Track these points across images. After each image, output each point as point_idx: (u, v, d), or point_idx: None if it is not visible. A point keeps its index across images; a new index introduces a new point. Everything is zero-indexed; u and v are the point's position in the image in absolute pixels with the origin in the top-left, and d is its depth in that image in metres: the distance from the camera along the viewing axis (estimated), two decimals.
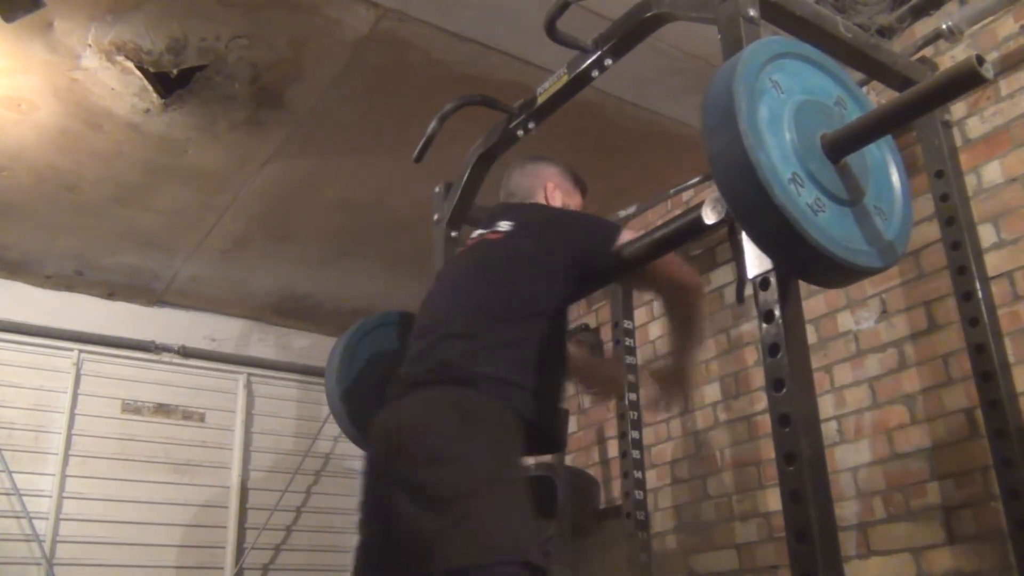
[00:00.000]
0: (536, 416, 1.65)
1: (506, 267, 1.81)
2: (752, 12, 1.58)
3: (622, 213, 3.14)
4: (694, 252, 3.27)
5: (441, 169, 2.46)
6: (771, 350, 1.38)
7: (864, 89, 2.16)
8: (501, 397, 1.61)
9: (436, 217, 2.47)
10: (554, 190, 2.08)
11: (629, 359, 3.31)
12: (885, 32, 2.48)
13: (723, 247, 3.10)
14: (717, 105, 1.29)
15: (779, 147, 1.29)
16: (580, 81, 2.14)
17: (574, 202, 2.12)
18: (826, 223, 1.28)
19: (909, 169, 1.60)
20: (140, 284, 4.16)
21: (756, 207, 1.24)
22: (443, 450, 1.52)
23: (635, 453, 3.15)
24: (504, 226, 1.89)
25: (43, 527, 3.68)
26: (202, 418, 4.30)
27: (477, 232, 1.97)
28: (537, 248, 1.82)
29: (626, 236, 1.82)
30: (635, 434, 3.18)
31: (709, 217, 1.63)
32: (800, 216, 1.23)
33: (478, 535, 1.42)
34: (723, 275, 3.16)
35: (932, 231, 2.35)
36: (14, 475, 3.67)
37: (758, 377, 2.91)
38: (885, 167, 1.50)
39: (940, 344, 2.38)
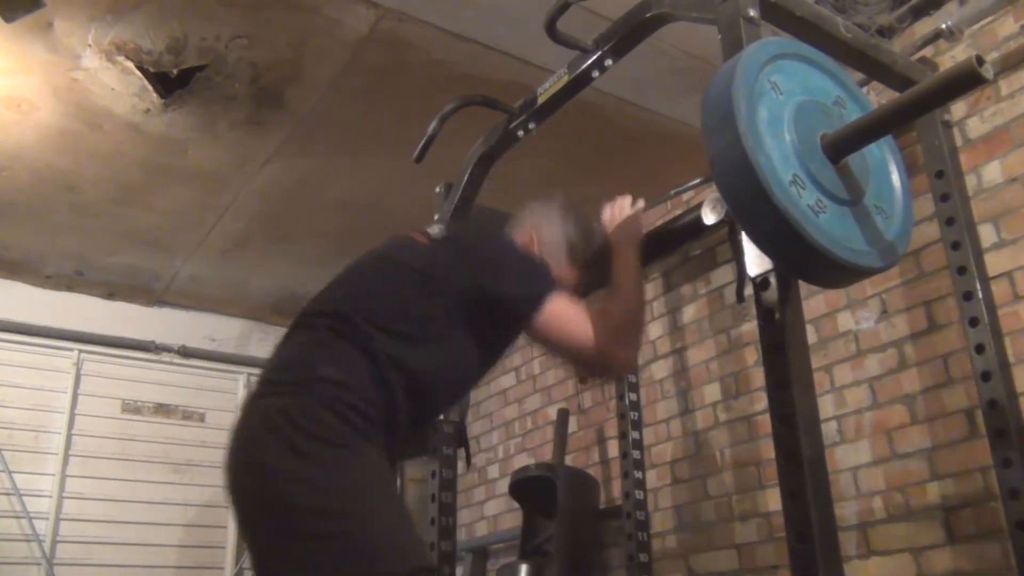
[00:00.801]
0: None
1: (390, 272, 1.62)
2: (752, 12, 1.58)
3: None
4: (694, 252, 3.27)
5: (441, 169, 2.46)
6: (771, 350, 1.38)
7: (864, 89, 2.16)
8: (332, 401, 1.37)
9: (436, 217, 2.47)
10: (536, 244, 1.74)
11: None
12: (885, 32, 2.48)
13: (723, 247, 3.10)
14: (716, 107, 1.29)
15: (779, 148, 1.29)
16: (580, 81, 2.14)
17: (559, 273, 1.68)
18: (827, 224, 1.28)
19: (909, 169, 1.60)
20: (140, 284, 4.16)
21: (756, 208, 1.25)
22: (283, 478, 1.31)
23: (635, 453, 3.16)
24: (436, 231, 1.67)
25: (43, 527, 3.69)
26: (202, 418, 4.30)
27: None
28: (444, 271, 1.55)
29: (554, 316, 1.50)
30: (635, 434, 3.19)
31: (709, 217, 1.64)
32: (801, 217, 1.24)
33: (350, 554, 1.26)
34: (723, 275, 3.16)
35: (932, 231, 2.35)
36: (14, 475, 3.67)
37: (758, 377, 2.91)
38: (885, 167, 1.50)
39: (940, 344, 2.38)
